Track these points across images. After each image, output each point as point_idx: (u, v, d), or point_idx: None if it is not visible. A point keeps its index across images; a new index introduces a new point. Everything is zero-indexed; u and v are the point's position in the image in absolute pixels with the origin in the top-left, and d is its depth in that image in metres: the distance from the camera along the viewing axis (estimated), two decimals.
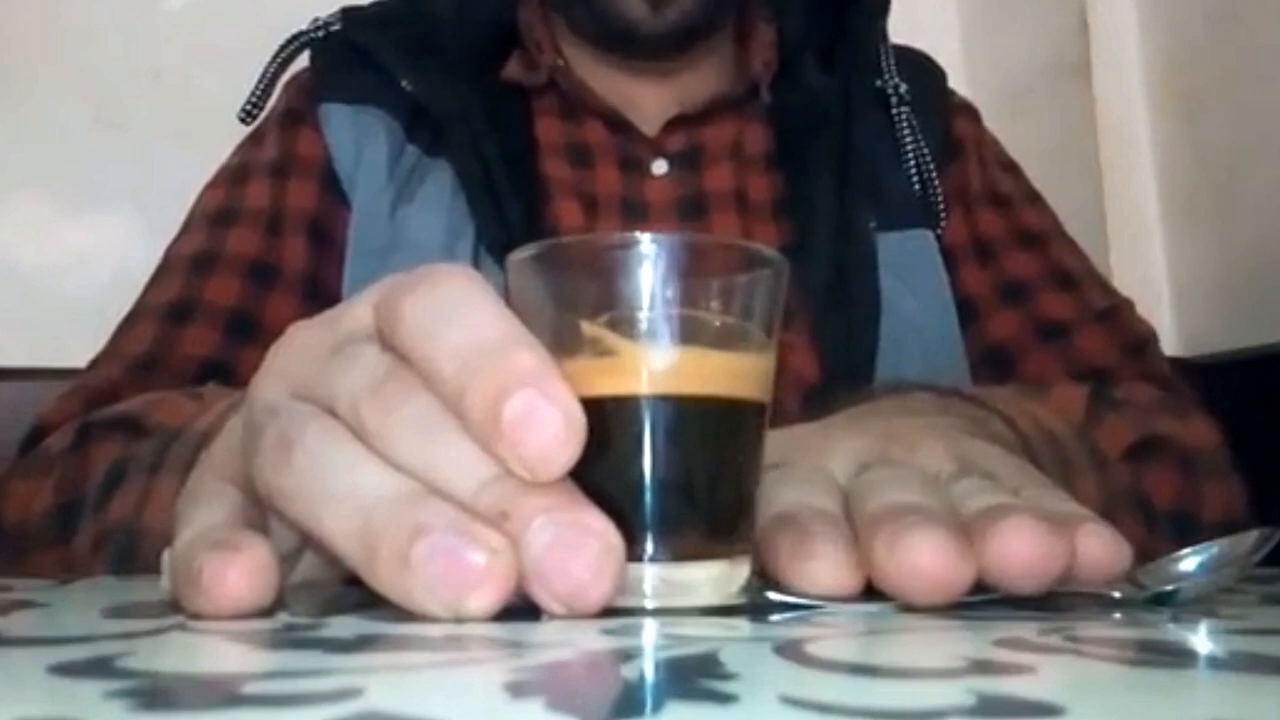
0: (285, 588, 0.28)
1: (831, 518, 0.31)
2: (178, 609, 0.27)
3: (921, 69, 0.75)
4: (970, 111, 0.77)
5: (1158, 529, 0.56)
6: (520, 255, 0.30)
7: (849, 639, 0.24)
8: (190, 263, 0.65)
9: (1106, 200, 1.12)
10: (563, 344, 0.29)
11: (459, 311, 0.27)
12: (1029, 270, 0.69)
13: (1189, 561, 0.31)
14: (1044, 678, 0.19)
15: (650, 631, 0.25)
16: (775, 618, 0.27)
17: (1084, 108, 1.14)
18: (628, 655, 0.21)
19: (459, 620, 0.25)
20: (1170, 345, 1.09)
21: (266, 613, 0.27)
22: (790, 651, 0.21)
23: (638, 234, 0.29)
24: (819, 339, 0.63)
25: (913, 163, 0.69)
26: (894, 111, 0.70)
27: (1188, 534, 0.55)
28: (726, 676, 0.19)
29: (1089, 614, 0.28)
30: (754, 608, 0.29)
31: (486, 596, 0.25)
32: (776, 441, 0.35)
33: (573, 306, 0.29)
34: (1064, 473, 0.49)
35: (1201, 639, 0.25)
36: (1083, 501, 0.34)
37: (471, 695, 0.18)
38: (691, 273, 0.29)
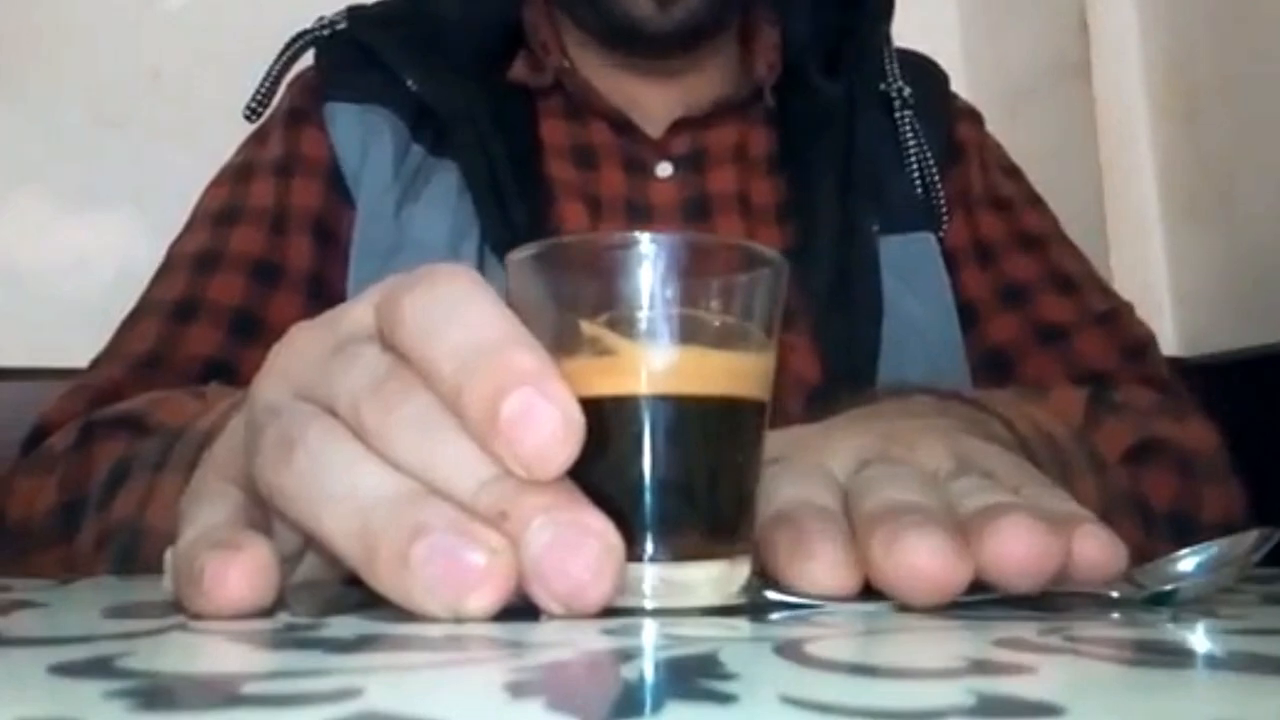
0: (286, 587, 0.28)
1: (830, 515, 0.31)
2: (178, 609, 0.27)
3: (924, 72, 0.75)
4: (973, 115, 0.77)
5: (1156, 531, 0.56)
6: (520, 255, 0.30)
7: (849, 639, 0.24)
8: (194, 261, 0.65)
9: (1106, 201, 1.12)
10: (562, 343, 0.29)
11: (458, 311, 0.27)
12: (1029, 273, 0.69)
13: (1187, 562, 0.31)
14: (1044, 678, 0.19)
15: (650, 631, 0.25)
16: (775, 618, 0.27)
17: (1084, 108, 1.14)
18: (628, 655, 0.21)
19: (459, 620, 0.25)
20: (1170, 345, 1.09)
21: (267, 613, 0.27)
22: (790, 651, 0.21)
23: (637, 234, 0.29)
24: (821, 341, 0.63)
25: (915, 166, 0.69)
26: (897, 115, 0.70)
27: (1186, 536, 0.55)
28: (726, 676, 0.19)
29: (1089, 614, 0.28)
30: (754, 608, 0.29)
31: (486, 596, 0.25)
32: (777, 441, 0.35)
33: (572, 306, 0.29)
34: (1063, 475, 0.49)
35: (1201, 639, 0.25)
36: (1082, 504, 0.34)
37: (471, 695, 0.18)
38: (691, 272, 0.29)
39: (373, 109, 0.67)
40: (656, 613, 0.28)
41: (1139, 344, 0.68)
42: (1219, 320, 1.08)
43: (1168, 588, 0.30)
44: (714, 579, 0.29)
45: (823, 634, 0.24)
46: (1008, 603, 0.29)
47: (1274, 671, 0.20)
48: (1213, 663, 0.22)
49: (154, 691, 0.17)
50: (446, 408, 0.26)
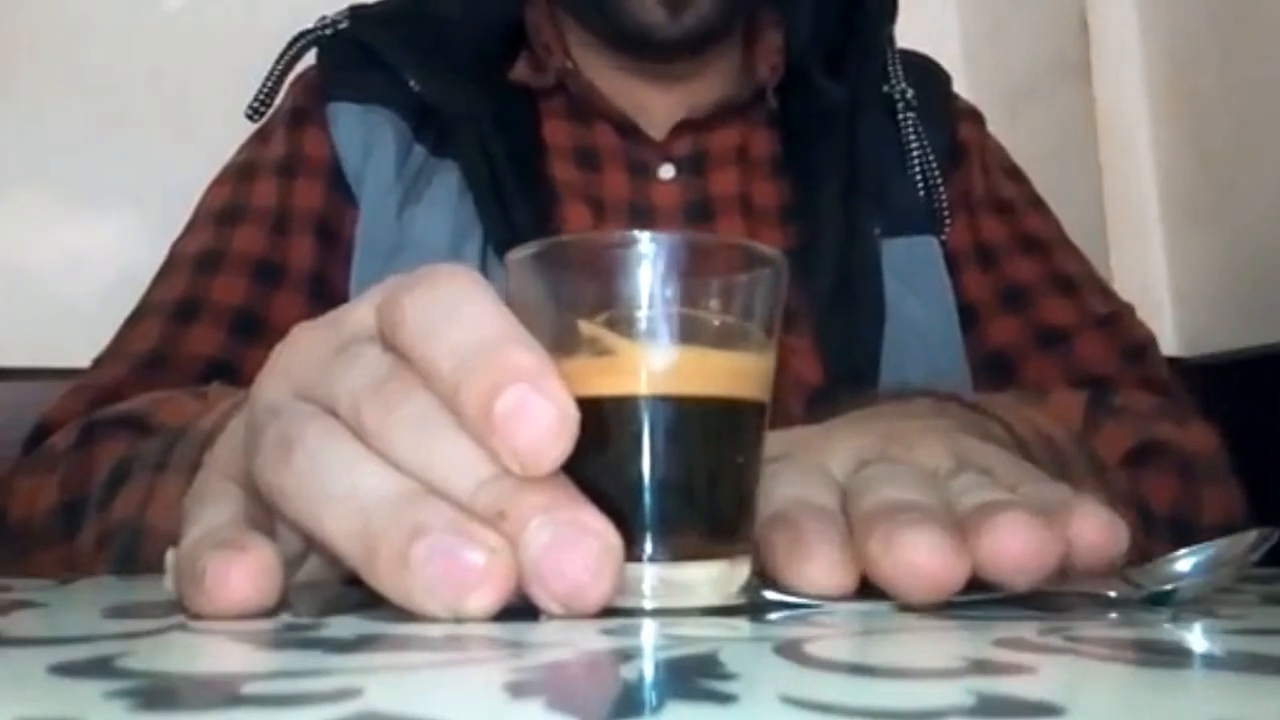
0: (289, 587, 0.28)
1: (828, 515, 0.31)
2: (178, 609, 0.27)
3: (926, 73, 0.75)
4: (975, 117, 0.77)
5: (1156, 534, 0.56)
6: (519, 254, 0.30)
7: (849, 639, 0.24)
8: (196, 261, 0.65)
9: (1106, 201, 1.12)
10: (561, 343, 0.29)
11: (458, 310, 0.27)
12: (1030, 275, 0.69)
13: (1186, 562, 0.31)
14: (1044, 678, 0.19)
15: (650, 631, 0.25)
16: (775, 617, 0.27)
17: (1084, 108, 1.13)
18: (628, 655, 0.21)
19: (459, 620, 0.25)
20: (1170, 346, 1.09)
21: (267, 613, 0.27)
22: (790, 651, 0.21)
23: (636, 233, 0.29)
24: (823, 344, 0.63)
25: (918, 169, 0.69)
26: (900, 117, 0.70)
27: (1187, 539, 0.55)
28: (726, 676, 0.19)
29: (1088, 614, 0.28)
30: (754, 608, 0.29)
31: (486, 596, 0.25)
32: (777, 441, 0.35)
33: (571, 305, 0.29)
34: (1062, 477, 0.49)
35: (1201, 639, 0.25)
36: None
37: (471, 695, 0.18)
38: (690, 272, 0.29)
39: (375, 109, 0.67)
40: (656, 613, 0.28)
41: (1139, 346, 0.68)
42: (1219, 320, 1.08)
43: (1166, 588, 0.30)
44: (714, 579, 0.29)
45: (823, 634, 0.24)
46: (1008, 603, 0.29)
47: (1274, 671, 0.20)
48: (1212, 662, 0.22)
49: (154, 691, 0.17)
50: (446, 408, 0.26)
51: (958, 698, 0.17)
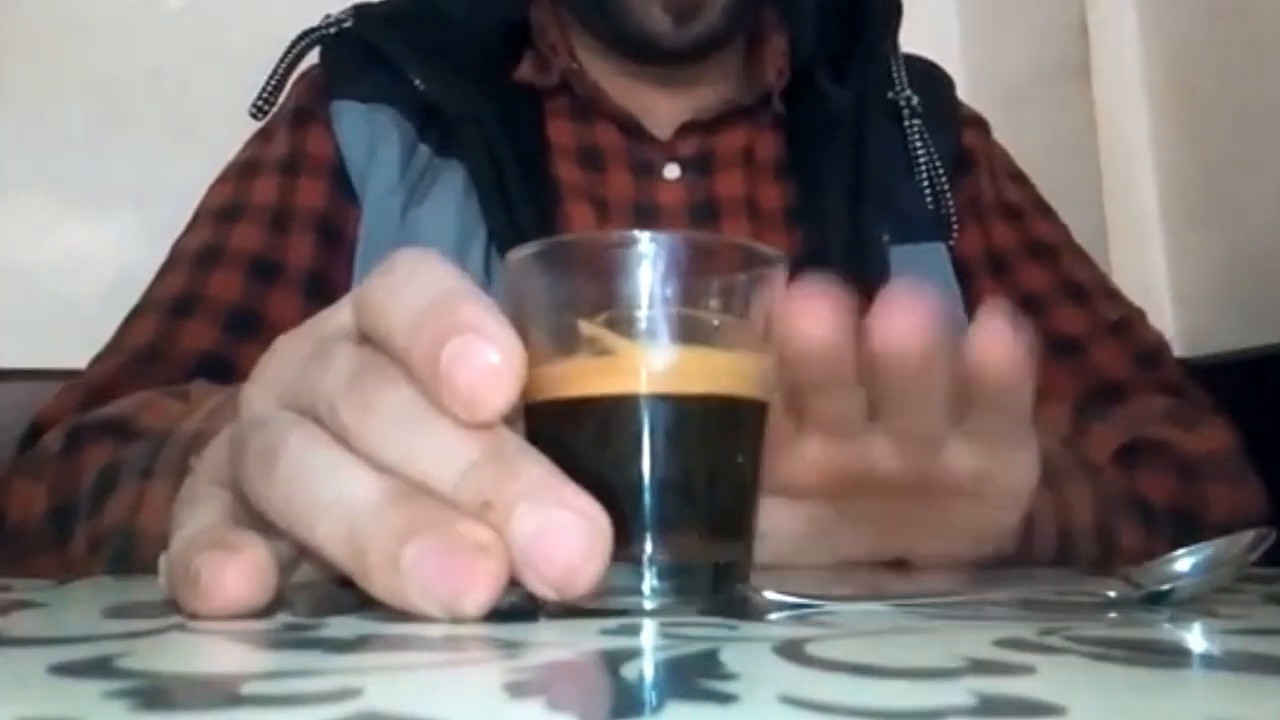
0: (286, 587, 0.28)
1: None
2: (178, 609, 0.27)
3: (930, 78, 0.75)
4: (979, 123, 0.77)
5: (1158, 529, 0.56)
6: (519, 253, 0.30)
7: (849, 639, 0.24)
8: (194, 257, 0.65)
9: (1106, 201, 1.12)
10: (561, 343, 0.29)
11: (410, 281, 0.27)
12: (1041, 284, 0.70)
13: (1184, 561, 0.31)
14: (1044, 678, 0.19)
15: (650, 631, 0.25)
16: (775, 618, 0.27)
17: (1084, 108, 1.13)
18: (628, 655, 0.21)
19: (457, 620, 0.25)
20: (1171, 346, 1.09)
21: (266, 613, 0.27)
22: (790, 651, 0.21)
23: (636, 233, 0.29)
24: None
25: (925, 176, 0.69)
26: (906, 124, 0.70)
27: (1191, 534, 0.55)
28: (726, 676, 0.19)
29: (1088, 614, 0.28)
30: (754, 608, 0.29)
31: (481, 594, 0.24)
32: None
33: (571, 305, 0.29)
34: (1050, 482, 0.49)
35: (1201, 639, 0.25)
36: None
37: (471, 695, 0.18)
38: (690, 272, 0.29)
39: (379, 108, 0.67)
40: (656, 613, 0.28)
41: (1153, 351, 0.69)
42: (1219, 321, 1.08)
43: (1165, 587, 0.30)
44: (714, 579, 0.29)
45: (823, 634, 0.24)
46: (1008, 602, 0.29)
47: (1274, 671, 0.20)
48: (1212, 662, 0.22)
49: (154, 691, 0.17)
50: (423, 397, 0.26)
51: (958, 698, 0.17)
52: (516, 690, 0.18)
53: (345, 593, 0.30)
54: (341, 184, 0.67)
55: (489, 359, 0.25)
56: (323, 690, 0.17)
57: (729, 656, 0.21)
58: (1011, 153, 0.78)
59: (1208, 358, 1.07)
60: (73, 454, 0.52)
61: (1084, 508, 0.51)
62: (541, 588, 0.25)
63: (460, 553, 0.24)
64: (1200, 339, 1.10)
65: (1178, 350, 1.10)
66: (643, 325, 0.29)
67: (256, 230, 0.65)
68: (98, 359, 0.63)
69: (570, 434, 0.29)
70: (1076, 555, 0.51)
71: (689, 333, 0.29)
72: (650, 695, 0.18)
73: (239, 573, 0.26)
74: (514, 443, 0.26)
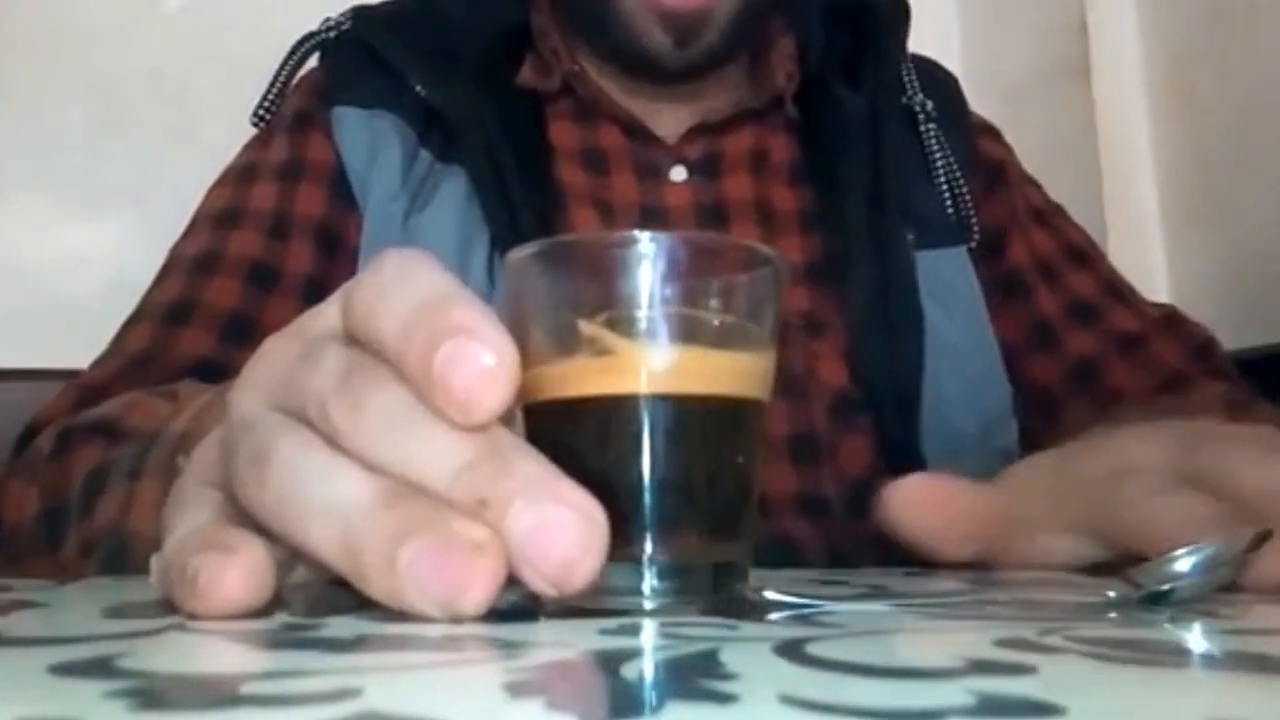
0: (284, 587, 0.28)
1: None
2: (176, 609, 0.27)
3: (936, 79, 0.76)
4: (993, 132, 0.78)
5: None
6: (519, 253, 0.30)
7: (849, 639, 0.24)
8: (192, 263, 0.65)
9: (1106, 201, 1.12)
10: (561, 343, 0.29)
11: (400, 282, 0.27)
12: (1089, 288, 0.72)
13: (1184, 561, 0.31)
14: (1044, 678, 0.19)
15: (650, 631, 0.25)
16: (775, 617, 0.27)
17: (1084, 108, 1.14)
18: (627, 655, 0.21)
19: (456, 620, 0.25)
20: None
21: (265, 613, 0.27)
22: (790, 651, 0.21)
23: (636, 233, 0.29)
24: (858, 356, 0.63)
25: (944, 180, 0.70)
26: (922, 129, 0.71)
27: None
28: (726, 676, 0.19)
29: (1088, 614, 0.28)
30: (754, 608, 0.29)
31: (478, 593, 0.24)
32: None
33: (571, 305, 0.29)
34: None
35: (1201, 639, 0.25)
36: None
37: (471, 695, 0.18)
38: (690, 272, 0.29)
39: (379, 114, 0.66)
40: (656, 613, 0.28)
41: (1205, 342, 0.71)
42: (1219, 320, 1.07)
43: (1165, 587, 0.30)
44: (713, 579, 0.29)
45: (823, 634, 0.24)
46: (1008, 602, 0.29)
47: (1274, 671, 0.20)
48: (1213, 662, 0.22)
49: (153, 691, 0.17)
50: (413, 397, 0.26)
51: (958, 698, 0.17)
52: (516, 690, 0.18)
53: (343, 592, 0.30)
54: (342, 191, 0.66)
55: (483, 362, 0.25)
56: (322, 690, 0.17)
57: (729, 656, 0.21)
58: None
59: None
60: (63, 456, 0.52)
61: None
62: (539, 584, 0.25)
63: (456, 551, 0.24)
64: None
65: None
66: (643, 325, 0.29)
67: (255, 237, 0.65)
68: (96, 363, 0.63)
69: (570, 434, 0.29)
70: None
71: (689, 333, 0.29)
72: (650, 695, 0.18)
73: (237, 573, 0.26)
74: (509, 440, 0.26)
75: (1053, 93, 1.16)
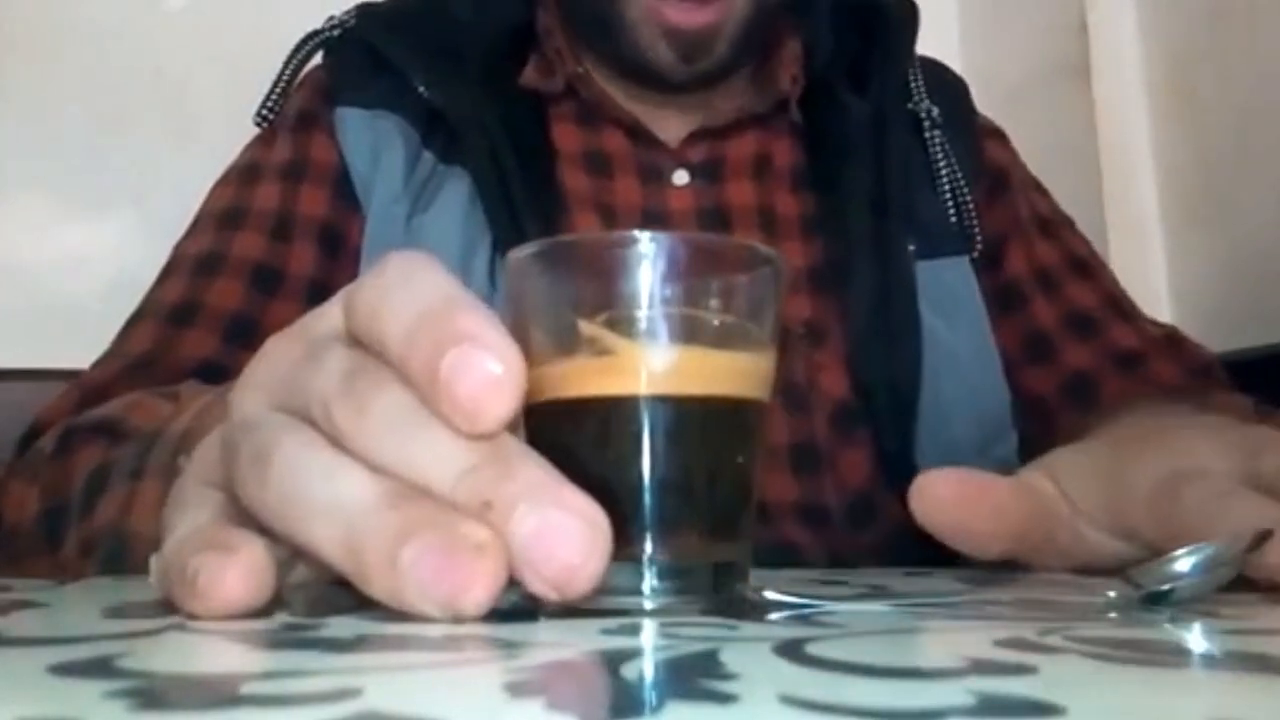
0: (284, 587, 0.28)
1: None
2: (176, 609, 0.27)
3: (945, 83, 0.75)
4: (999, 135, 0.77)
5: None
6: (520, 253, 0.30)
7: (849, 639, 0.24)
8: (195, 264, 0.64)
9: (1106, 201, 1.12)
10: (561, 343, 0.29)
11: (404, 286, 0.27)
12: (1090, 300, 0.72)
13: (1184, 561, 0.31)
14: (1044, 678, 0.19)
15: (650, 631, 0.25)
16: (775, 617, 0.27)
17: (1084, 108, 1.14)
18: (628, 655, 0.21)
19: (457, 620, 0.25)
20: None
21: (265, 612, 0.27)
22: (790, 651, 0.21)
23: (636, 233, 0.29)
24: (857, 364, 0.63)
25: (948, 189, 0.69)
26: (927, 136, 0.70)
27: None
28: (726, 676, 0.19)
29: (1088, 614, 0.28)
30: (754, 608, 0.29)
31: (480, 593, 0.24)
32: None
33: (571, 305, 0.29)
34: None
35: (1201, 639, 0.25)
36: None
37: (471, 695, 0.18)
38: (690, 272, 0.29)
39: (382, 115, 0.66)
40: (656, 613, 0.28)
41: (1205, 363, 0.71)
42: (1218, 320, 1.08)
43: (1165, 587, 0.30)
44: (714, 579, 0.29)
45: (823, 634, 0.24)
46: (1008, 602, 0.29)
47: (1274, 671, 0.20)
48: (1214, 662, 0.22)
49: (153, 691, 0.17)
50: (417, 400, 0.26)
51: (958, 698, 0.17)
52: (516, 690, 0.18)
53: (343, 592, 0.30)
54: (345, 192, 0.66)
55: (489, 369, 0.25)
56: (322, 690, 0.17)
57: (729, 656, 0.21)
58: None
59: None
60: (64, 456, 0.52)
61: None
62: (541, 587, 0.25)
63: (458, 552, 0.24)
64: (1200, 339, 1.10)
65: None
66: (643, 325, 0.29)
67: (258, 238, 0.65)
68: (99, 363, 0.63)
69: (570, 434, 0.29)
70: None
71: (689, 333, 0.29)
72: (650, 695, 0.18)
73: (238, 573, 0.26)
74: (513, 445, 0.26)
75: (1053, 93, 1.16)
